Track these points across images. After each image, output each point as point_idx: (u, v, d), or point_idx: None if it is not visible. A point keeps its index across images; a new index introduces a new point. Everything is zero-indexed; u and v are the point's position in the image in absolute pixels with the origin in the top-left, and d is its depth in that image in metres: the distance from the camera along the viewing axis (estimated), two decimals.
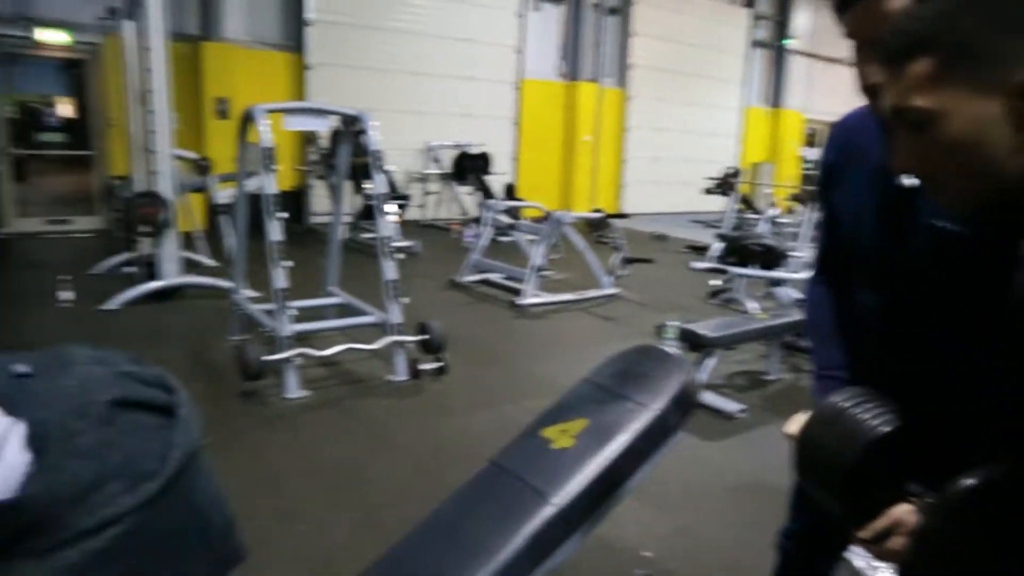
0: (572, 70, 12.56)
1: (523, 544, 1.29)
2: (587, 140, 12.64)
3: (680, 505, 2.96)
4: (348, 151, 4.87)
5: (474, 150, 10.10)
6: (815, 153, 17.51)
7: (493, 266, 6.73)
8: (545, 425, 1.55)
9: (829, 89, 16.71)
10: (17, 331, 4.74)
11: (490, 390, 4.21)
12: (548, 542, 1.32)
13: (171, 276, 5.71)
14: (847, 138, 1.23)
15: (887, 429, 0.89)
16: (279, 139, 9.54)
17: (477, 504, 1.46)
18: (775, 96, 15.71)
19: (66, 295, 5.32)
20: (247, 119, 4.16)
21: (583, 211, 9.01)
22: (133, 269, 5.98)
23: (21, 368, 0.53)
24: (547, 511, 1.34)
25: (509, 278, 6.53)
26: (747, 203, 10.67)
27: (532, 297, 6.04)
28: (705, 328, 3.92)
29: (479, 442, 3.02)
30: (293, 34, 9.90)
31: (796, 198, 9.54)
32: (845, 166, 1.19)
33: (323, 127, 4.88)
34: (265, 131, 3.97)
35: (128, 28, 5.88)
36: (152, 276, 5.71)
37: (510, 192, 10.78)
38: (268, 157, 3.95)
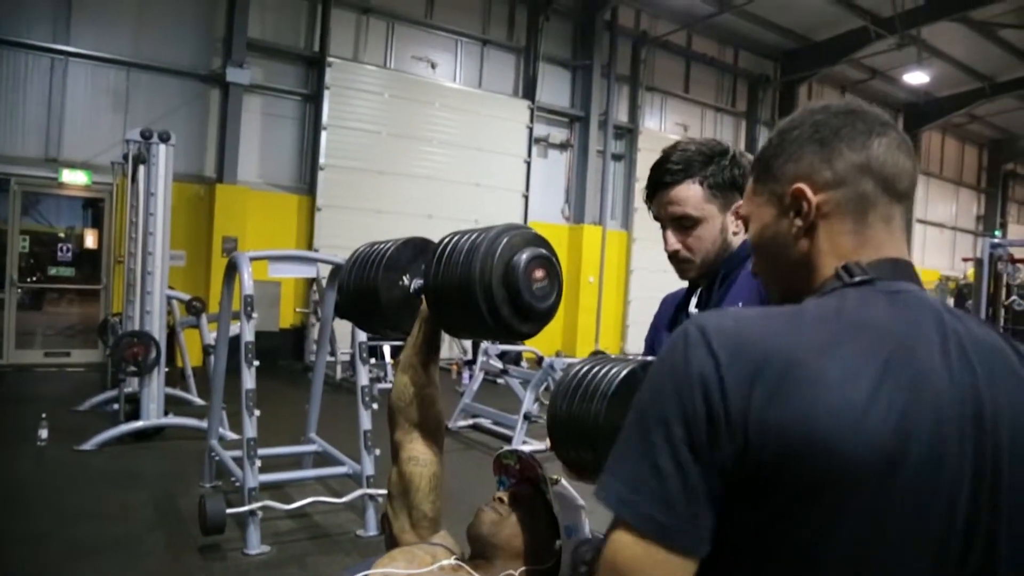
0: (577, 213, 12.92)
1: None
2: (591, 281, 12.80)
3: None
4: (335, 297, 4.88)
5: None
6: None
7: (484, 411, 6.58)
8: None
9: None
10: None
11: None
12: None
13: (153, 416, 5.62)
14: (665, 309, 1.85)
15: None
16: (286, 280, 9.55)
17: None
18: None
19: (43, 434, 5.23)
20: (231, 266, 4.19)
21: (585, 353, 8.91)
22: (116, 407, 5.90)
23: None
24: None
25: (499, 424, 6.38)
26: None
27: (521, 445, 5.85)
28: None
29: None
30: (306, 177, 10.32)
31: None
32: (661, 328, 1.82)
33: (310, 273, 4.93)
34: (247, 278, 3.99)
35: (140, 173, 6.12)
36: (136, 415, 5.64)
37: None
38: (248, 304, 3.95)
